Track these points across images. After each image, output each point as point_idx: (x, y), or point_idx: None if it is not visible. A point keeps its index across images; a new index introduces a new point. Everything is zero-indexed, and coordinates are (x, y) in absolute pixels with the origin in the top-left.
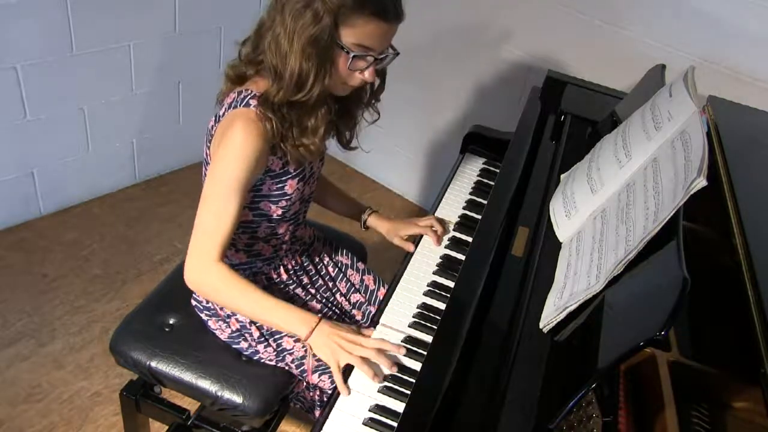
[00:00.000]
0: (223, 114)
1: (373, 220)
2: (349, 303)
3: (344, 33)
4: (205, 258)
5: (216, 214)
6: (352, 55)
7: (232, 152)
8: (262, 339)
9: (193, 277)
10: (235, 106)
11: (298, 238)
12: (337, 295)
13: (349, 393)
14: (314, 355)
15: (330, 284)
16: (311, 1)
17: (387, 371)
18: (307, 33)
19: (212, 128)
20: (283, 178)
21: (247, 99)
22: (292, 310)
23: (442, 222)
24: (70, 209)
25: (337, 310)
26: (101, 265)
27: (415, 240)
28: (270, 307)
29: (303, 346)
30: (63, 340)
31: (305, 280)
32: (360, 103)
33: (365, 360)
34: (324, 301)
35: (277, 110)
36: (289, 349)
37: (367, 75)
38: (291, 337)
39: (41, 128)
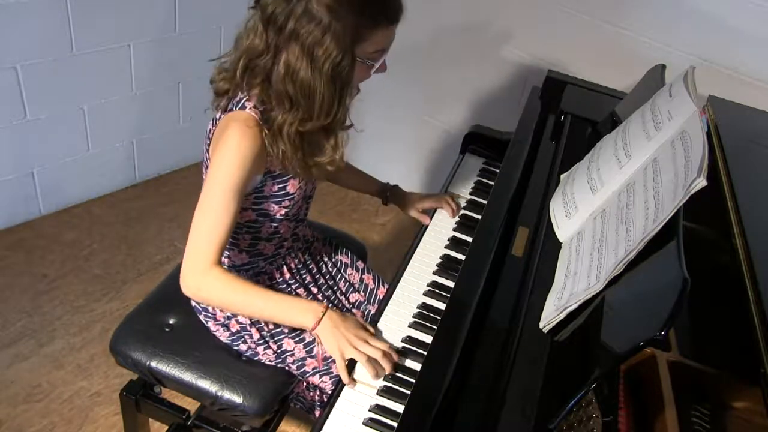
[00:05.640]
0: (220, 117)
1: (392, 196)
2: (349, 302)
3: (361, 47)
4: (201, 263)
5: (213, 219)
6: (372, 62)
7: (228, 156)
8: (262, 341)
9: (190, 283)
10: (231, 110)
11: (300, 236)
12: (338, 294)
13: (353, 384)
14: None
15: (330, 283)
16: (327, 26)
17: (388, 371)
18: (331, 61)
19: (210, 132)
20: (285, 178)
21: (242, 102)
22: (297, 301)
23: (454, 198)
24: (70, 209)
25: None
26: (101, 265)
27: (430, 214)
28: (274, 300)
29: (304, 347)
30: (63, 340)
31: (308, 278)
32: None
33: (370, 359)
34: (325, 301)
35: (290, 140)
36: (290, 351)
37: (384, 68)
38: (292, 338)
39: (41, 128)
